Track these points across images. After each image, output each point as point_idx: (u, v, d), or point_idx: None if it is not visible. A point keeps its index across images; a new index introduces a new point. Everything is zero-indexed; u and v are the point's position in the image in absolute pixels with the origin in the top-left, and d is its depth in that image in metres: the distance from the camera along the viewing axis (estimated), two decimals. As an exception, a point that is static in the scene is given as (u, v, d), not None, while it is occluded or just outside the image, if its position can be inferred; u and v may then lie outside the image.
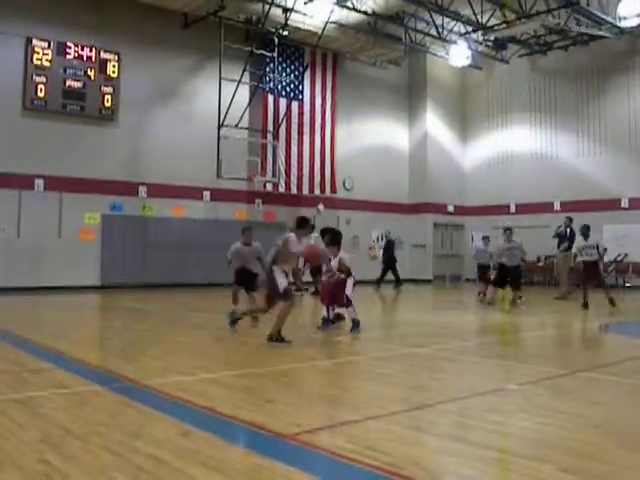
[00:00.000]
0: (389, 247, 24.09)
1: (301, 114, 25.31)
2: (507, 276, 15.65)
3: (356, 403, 5.62)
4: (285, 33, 22.99)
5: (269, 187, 24.34)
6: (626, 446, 4.40)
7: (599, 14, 22.16)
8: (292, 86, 24.99)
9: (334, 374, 7.17)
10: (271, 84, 24.08)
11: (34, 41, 19.46)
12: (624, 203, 24.69)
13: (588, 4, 21.83)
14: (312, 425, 4.72)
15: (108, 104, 20.81)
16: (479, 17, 23.35)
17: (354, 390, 6.25)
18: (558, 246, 19.50)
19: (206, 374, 6.73)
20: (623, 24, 22.36)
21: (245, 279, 12.65)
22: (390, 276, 23.55)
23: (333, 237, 10.75)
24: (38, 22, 19.60)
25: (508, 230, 16.03)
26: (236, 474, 3.71)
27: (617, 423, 5.08)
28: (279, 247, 8.99)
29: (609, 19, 22.44)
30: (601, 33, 23.76)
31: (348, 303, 10.34)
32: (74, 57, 20.20)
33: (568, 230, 19.24)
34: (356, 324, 10.19)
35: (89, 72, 20.42)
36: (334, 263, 10.27)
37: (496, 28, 23.94)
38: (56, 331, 10.51)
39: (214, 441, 4.31)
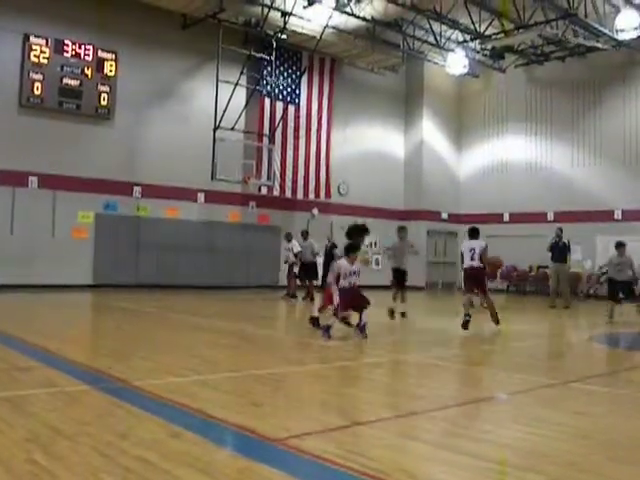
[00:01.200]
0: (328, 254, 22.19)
1: (297, 118, 25.32)
2: (618, 291, 15.45)
3: (345, 408, 5.62)
4: (283, 37, 23.02)
5: (264, 190, 24.32)
6: (615, 457, 4.41)
7: (596, 26, 22.25)
8: (289, 90, 25.00)
9: (324, 379, 7.16)
10: (268, 87, 24.11)
11: (31, 38, 19.43)
12: (617, 215, 24.76)
13: (586, 16, 21.92)
14: (301, 430, 4.71)
15: (104, 103, 20.79)
16: (477, 26, 23.45)
17: (344, 395, 6.25)
18: (552, 257, 19.56)
19: (196, 376, 6.72)
20: (620, 36, 22.44)
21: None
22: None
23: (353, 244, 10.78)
24: (36, 19, 19.58)
25: (621, 245, 15.72)
26: (223, 477, 3.71)
27: (607, 434, 5.08)
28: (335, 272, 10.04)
29: (606, 31, 22.53)
30: (598, 45, 23.85)
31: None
32: (71, 55, 20.18)
33: (559, 241, 19.32)
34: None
35: (86, 70, 20.40)
36: (355, 268, 10.30)
37: (494, 37, 24.03)
38: (47, 330, 10.48)
39: (202, 443, 4.30)
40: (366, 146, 27.96)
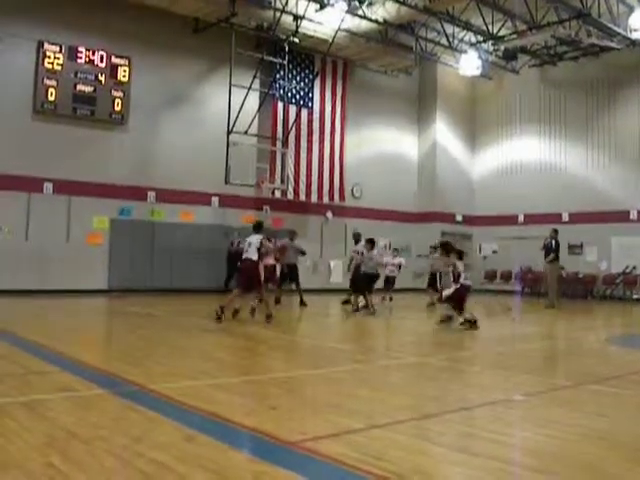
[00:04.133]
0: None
1: (310, 121, 25.33)
2: None
3: (361, 411, 5.61)
4: (296, 40, 23.04)
5: (277, 194, 24.35)
6: (630, 459, 4.38)
7: (610, 25, 22.13)
8: (302, 93, 25.03)
9: (339, 381, 7.15)
10: (281, 91, 24.14)
11: (45, 45, 19.55)
12: (633, 215, 24.60)
13: (599, 15, 21.80)
14: (316, 432, 4.71)
15: (118, 108, 20.88)
16: (490, 27, 23.36)
17: (359, 398, 6.23)
18: (545, 257, 19.61)
19: (211, 379, 6.73)
20: (634, 36, 22.29)
21: None
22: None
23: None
24: (50, 26, 19.70)
25: None
26: (239, 480, 3.71)
27: (621, 436, 5.05)
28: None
29: (620, 31, 22.40)
30: (612, 45, 23.71)
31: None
32: (85, 61, 20.28)
33: (553, 242, 19.34)
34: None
35: (100, 76, 20.50)
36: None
37: (507, 38, 23.94)
38: (62, 334, 10.54)
39: (218, 446, 4.31)
40: (379, 148, 27.93)
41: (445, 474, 4.06)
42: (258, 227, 13.20)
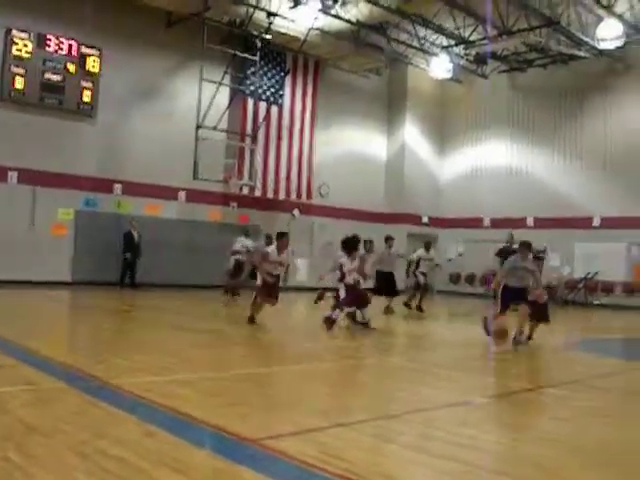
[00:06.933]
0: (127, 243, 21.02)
1: (280, 119, 25.29)
2: None
3: (323, 410, 5.63)
4: (268, 37, 23.01)
5: (245, 190, 24.28)
6: (584, 463, 4.47)
7: (579, 35, 22.43)
8: (272, 90, 24.98)
9: (303, 379, 7.17)
10: (251, 87, 24.05)
11: (13, 32, 19.23)
12: (596, 222, 24.98)
13: (569, 24, 22.08)
14: (278, 430, 4.72)
15: (87, 99, 20.65)
16: (461, 31, 23.55)
17: (322, 396, 6.26)
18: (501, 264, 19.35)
19: (175, 375, 6.71)
20: (601, 45, 22.64)
21: None
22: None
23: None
24: (19, 13, 19.37)
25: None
26: (200, 477, 3.71)
27: (576, 440, 5.14)
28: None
29: (588, 40, 22.72)
30: (580, 53, 24.04)
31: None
32: (54, 50, 20.01)
33: (509, 246, 19.01)
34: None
35: (69, 66, 20.24)
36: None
37: (477, 43, 24.16)
38: (23, 326, 10.40)
39: (179, 443, 4.30)
40: (348, 148, 27.98)
41: (406, 475, 4.09)
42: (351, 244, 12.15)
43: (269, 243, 15.39)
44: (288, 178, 25.45)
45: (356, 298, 11.74)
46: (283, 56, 25.10)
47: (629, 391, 7.69)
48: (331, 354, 9.39)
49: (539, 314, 11.04)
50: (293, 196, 25.69)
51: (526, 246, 10.98)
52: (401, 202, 28.80)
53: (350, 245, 11.91)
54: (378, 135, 29.36)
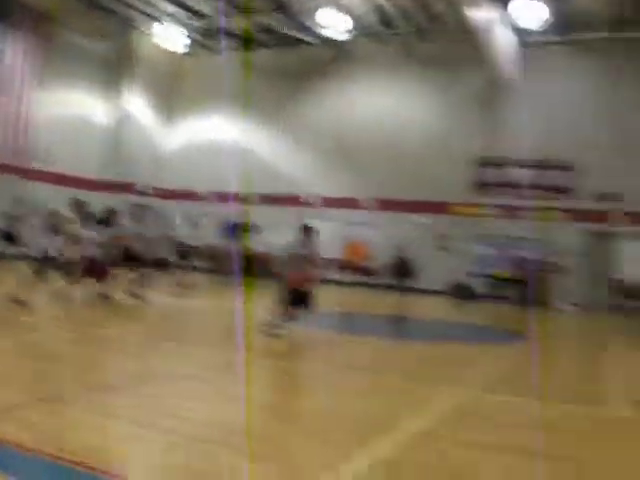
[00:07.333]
0: None
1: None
2: None
3: (27, 383, 5.36)
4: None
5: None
6: (301, 430, 4.78)
7: (303, 21, 23.41)
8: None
9: (12, 352, 6.77)
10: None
11: None
12: (318, 201, 26.36)
13: (299, 10, 22.93)
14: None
15: None
16: (196, 5, 23.46)
17: (24, 370, 5.95)
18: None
19: None
20: (323, 32, 23.92)
21: None
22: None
23: None
24: None
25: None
26: None
27: (284, 405, 5.46)
28: None
29: (311, 26, 23.80)
30: (306, 38, 25.15)
31: None
32: None
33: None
34: None
35: None
36: None
37: (209, 18, 24.25)
38: None
39: None
40: (72, 111, 26.54)
41: (125, 451, 4.07)
42: None
43: None
44: (4, 138, 23.39)
45: None
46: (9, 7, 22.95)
47: (342, 362, 8.21)
48: (51, 327, 8.97)
49: None
50: (10, 158, 23.60)
51: None
52: (121, 170, 27.95)
53: None
54: (103, 101, 28.21)
